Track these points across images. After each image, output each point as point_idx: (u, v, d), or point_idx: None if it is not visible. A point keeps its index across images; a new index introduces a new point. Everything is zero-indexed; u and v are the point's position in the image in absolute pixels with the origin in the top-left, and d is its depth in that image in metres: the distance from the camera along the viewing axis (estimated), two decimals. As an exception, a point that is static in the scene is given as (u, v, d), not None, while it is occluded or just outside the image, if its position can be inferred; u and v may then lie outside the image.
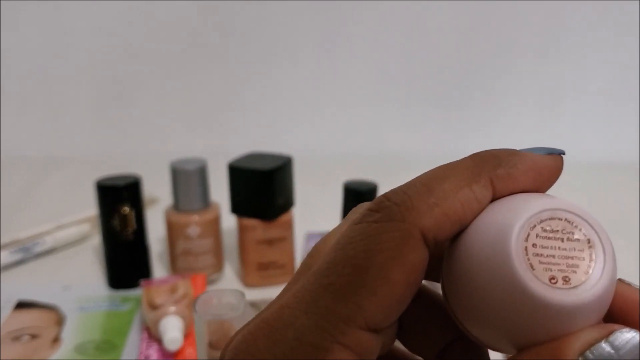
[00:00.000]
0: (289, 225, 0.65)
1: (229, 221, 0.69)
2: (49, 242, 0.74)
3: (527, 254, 0.18)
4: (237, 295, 0.39)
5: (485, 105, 1.14)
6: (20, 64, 1.13)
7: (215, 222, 0.66)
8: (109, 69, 1.14)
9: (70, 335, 0.57)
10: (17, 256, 0.71)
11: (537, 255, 0.18)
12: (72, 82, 1.14)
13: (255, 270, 0.65)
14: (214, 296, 0.39)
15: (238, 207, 0.64)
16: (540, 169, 0.20)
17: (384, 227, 0.18)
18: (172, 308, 0.54)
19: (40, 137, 1.14)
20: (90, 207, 0.77)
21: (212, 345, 0.38)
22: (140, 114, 1.15)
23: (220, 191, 0.70)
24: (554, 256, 0.19)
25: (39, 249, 0.73)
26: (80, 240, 0.77)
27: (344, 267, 0.18)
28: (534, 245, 0.18)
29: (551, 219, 0.19)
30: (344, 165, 1.01)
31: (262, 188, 0.62)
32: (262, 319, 0.19)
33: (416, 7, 1.11)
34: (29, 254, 0.72)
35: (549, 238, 0.19)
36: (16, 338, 0.57)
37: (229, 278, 0.68)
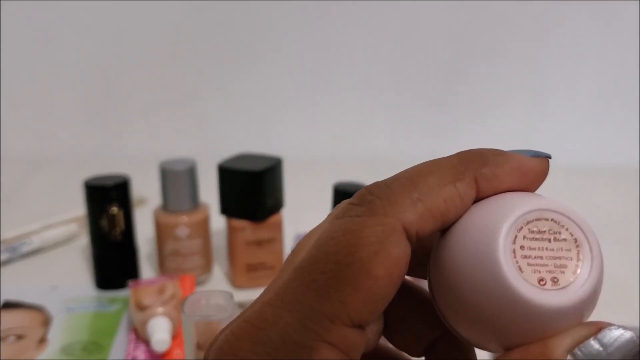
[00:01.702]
0: (279, 227, 0.64)
1: (218, 222, 0.69)
2: (36, 242, 0.73)
3: (515, 257, 0.18)
4: (226, 297, 0.39)
5: (476, 108, 1.15)
6: (7, 63, 1.12)
7: (205, 222, 0.65)
8: (98, 69, 1.14)
9: (57, 336, 0.57)
10: (4, 256, 0.70)
11: (525, 257, 0.18)
12: (61, 81, 1.14)
13: (244, 271, 0.64)
14: (202, 297, 0.39)
15: (227, 208, 0.64)
16: (526, 171, 0.20)
17: (366, 222, 0.18)
18: (160, 309, 0.54)
19: (28, 137, 1.13)
20: (78, 207, 0.77)
21: (200, 347, 0.38)
22: (130, 114, 1.15)
23: (209, 192, 0.70)
24: (541, 257, 0.19)
25: (25, 248, 0.72)
26: (68, 240, 0.77)
27: (326, 264, 0.18)
28: (522, 247, 0.19)
29: (537, 219, 0.19)
30: (334, 166, 1.02)
31: (252, 189, 0.62)
32: (244, 318, 0.18)
33: (406, 9, 1.11)
34: (15, 253, 0.71)
35: (536, 239, 0.19)
36: (2, 339, 0.56)
37: (218, 279, 0.68)
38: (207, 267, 0.67)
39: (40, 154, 1.09)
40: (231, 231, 0.64)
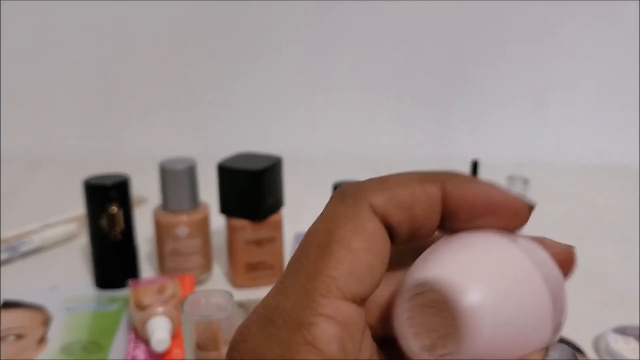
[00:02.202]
0: (278, 226, 0.64)
1: (218, 221, 0.69)
2: (35, 241, 0.73)
3: (410, 325, 0.20)
4: (226, 296, 0.39)
5: (476, 107, 1.15)
6: (7, 63, 1.12)
7: (204, 222, 0.65)
8: (97, 68, 1.14)
9: (57, 335, 0.57)
10: (4, 255, 0.70)
11: (414, 325, 0.20)
12: (60, 80, 1.14)
13: (243, 270, 0.64)
14: (202, 297, 0.39)
15: (227, 208, 0.64)
16: (490, 197, 0.21)
17: (339, 207, 0.20)
18: (160, 309, 0.54)
19: (28, 136, 1.13)
20: (78, 207, 0.77)
21: (199, 346, 0.38)
22: (129, 113, 1.15)
23: (209, 191, 0.70)
24: (427, 326, 0.20)
25: (25, 248, 0.72)
26: (68, 239, 0.76)
27: (310, 248, 0.20)
28: (411, 317, 0.20)
29: (426, 291, 0.20)
30: (334, 165, 1.01)
31: (252, 188, 0.62)
32: (253, 310, 0.20)
33: (407, 8, 1.11)
34: (15, 253, 0.71)
35: (424, 310, 0.20)
36: (2, 338, 0.56)
37: (218, 279, 0.68)
38: (207, 267, 0.66)
39: (40, 153, 1.09)
40: (231, 230, 0.64)
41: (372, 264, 0.19)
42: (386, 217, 0.20)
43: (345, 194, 0.21)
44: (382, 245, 0.20)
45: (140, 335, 0.55)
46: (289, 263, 0.20)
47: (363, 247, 0.19)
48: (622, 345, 0.53)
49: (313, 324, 0.18)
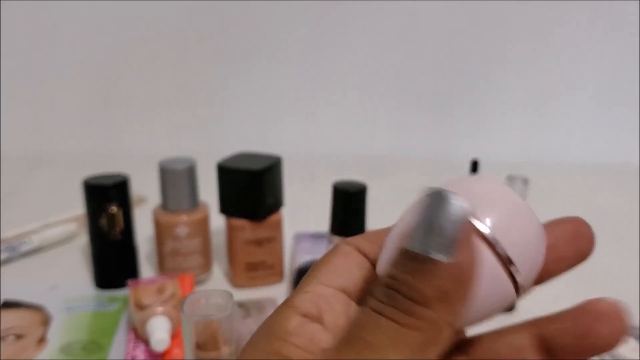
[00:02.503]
0: (278, 226, 0.64)
1: (217, 221, 0.69)
2: (35, 241, 0.73)
3: None
4: (225, 296, 0.39)
5: (476, 107, 1.15)
6: (6, 61, 1.12)
7: (204, 222, 0.65)
8: (97, 67, 1.14)
9: (56, 335, 0.57)
10: (4, 255, 0.70)
11: None
12: (60, 80, 1.14)
13: (243, 270, 0.64)
14: (201, 297, 0.39)
15: (227, 207, 0.64)
16: None
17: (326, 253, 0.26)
18: (160, 308, 0.54)
19: (28, 136, 1.13)
20: (77, 206, 0.77)
21: (199, 346, 0.38)
22: (129, 113, 1.15)
23: (209, 191, 0.70)
24: None
25: (25, 248, 0.72)
26: (67, 239, 0.77)
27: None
28: None
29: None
30: (333, 165, 1.01)
31: (251, 188, 0.62)
32: None
33: (407, 8, 1.11)
34: (15, 253, 0.71)
35: None
36: (1, 338, 0.56)
37: (218, 278, 0.68)
38: (206, 267, 0.66)
39: (40, 153, 1.09)
40: (231, 230, 0.64)
41: (348, 266, 0.25)
42: (358, 247, 0.25)
43: (332, 247, 0.27)
44: (357, 257, 0.25)
45: (140, 335, 0.55)
46: None
47: (339, 259, 0.25)
48: (621, 345, 0.53)
49: (295, 297, 0.23)
